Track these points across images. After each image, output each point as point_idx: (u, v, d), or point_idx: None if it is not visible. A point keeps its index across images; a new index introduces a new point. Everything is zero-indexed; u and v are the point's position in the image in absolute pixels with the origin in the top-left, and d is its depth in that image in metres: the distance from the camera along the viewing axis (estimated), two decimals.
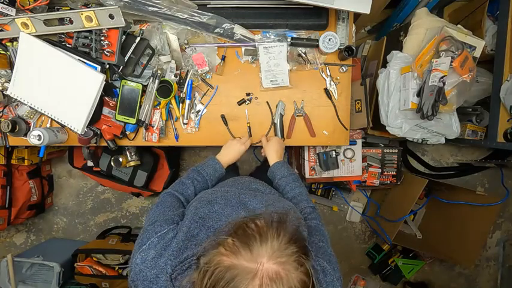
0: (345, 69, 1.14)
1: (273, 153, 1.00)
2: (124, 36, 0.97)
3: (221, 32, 1.04)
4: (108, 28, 0.92)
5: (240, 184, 0.87)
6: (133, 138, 1.14)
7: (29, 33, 0.92)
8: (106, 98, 1.06)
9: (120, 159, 1.44)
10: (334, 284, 0.60)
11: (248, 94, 1.14)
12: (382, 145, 1.69)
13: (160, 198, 0.80)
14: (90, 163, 1.69)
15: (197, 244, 0.59)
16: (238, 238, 0.49)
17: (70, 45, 0.96)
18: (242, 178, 0.97)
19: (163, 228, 0.64)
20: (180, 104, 1.11)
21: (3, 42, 0.98)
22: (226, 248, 0.48)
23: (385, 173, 1.65)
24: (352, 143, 1.44)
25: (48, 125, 1.11)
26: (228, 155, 1.00)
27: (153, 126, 1.11)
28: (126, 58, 0.99)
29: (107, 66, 0.99)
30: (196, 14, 1.00)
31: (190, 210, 0.68)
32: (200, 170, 0.91)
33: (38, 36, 0.94)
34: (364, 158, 1.60)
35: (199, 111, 1.13)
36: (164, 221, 0.66)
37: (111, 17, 0.89)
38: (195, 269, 0.53)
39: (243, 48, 1.11)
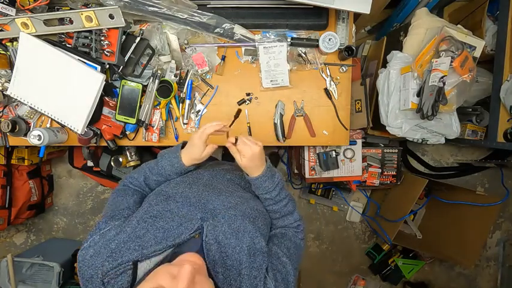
0: (345, 69, 1.14)
1: (251, 170, 0.75)
2: (124, 36, 0.97)
3: (221, 32, 1.04)
4: (108, 28, 0.92)
5: (214, 172, 0.82)
6: (133, 138, 1.14)
7: (29, 33, 0.92)
8: (106, 98, 1.06)
9: (120, 159, 1.44)
10: None
11: (248, 94, 1.14)
12: (382, 145, 1.69)
13: (111, 195, 0.76)
14: (90, 163, 1.69)
15: (140, 246, 0.56)
16: None
17: (70, 45, 0.96)
18: (220, 165, 0.93)
19: (107, 226, 0.61)
20: (180, 104, 1.11)
21: (3, 42, 0.98)
22: None
23: (385, 173, 1.65)
24: (352, 143, 1.44)
25: (48, 125, 1.11)
26: (189, 153, 0.78)
27: (153, 126, 1.11)
28: (126, 58, 0.99)
29: (107, 66, 0.99)
30: (196, 14, 1.00)
31: (143, 208, 0.65)
32: (158, 160, 0.80)
33: (38, 36, 0.93)
34: (364, 158, 1.60)
35: (199, 111, 1.13)
36: (110, 218, 0.64)
37: (111, 17, 0.89)
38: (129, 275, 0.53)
39: (243, 48, 1.11)
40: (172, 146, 0.84)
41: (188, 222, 0.61)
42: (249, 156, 0.73)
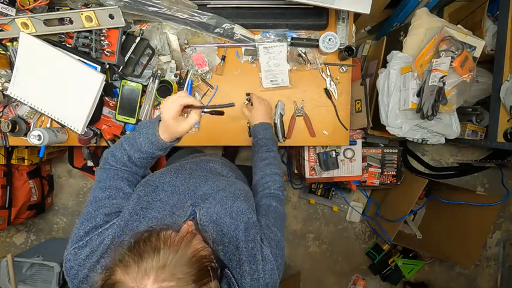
0: (345, 69, 1.14)
1: (260, 117, 0.95)
2: (124, 36, 0.97)
3: (221, 32, 1.04)
4: (108, 28, 0.92)
5: (197, 161, 0.83)
6: None
7: (29, 33, 0.92)
8: (106, 98, 1.06)
9: None
10: (273, 273, 0.60)
11: (248, 94, 1.14)
12: (382, 145, 1.69)
13: (98, 175, 0.69)
14: (90, 163, 1.69)
15: None
16: (132, 252, 0.44)
17: (70, 45, 0.96)
18: (201, 155, 0.95)
19: (106, 224, 0.60)
20: None
21: (3, 42, 0.98)
22: (122, 260, 0.44)
23: (385, 173, 1.65)
24: (352, 143, 1.44)
25: (48, 125, 1.11)
26: (167, 127, 0.67)
27: None
28: (126, 58, 0.99)
29: (107, 66, 0.99)
30: (196, 14, 1.00)
31: (133, 199, 0.63)
32: (136, 136, 0.70)
33: (38, 36, 0.94)
34: (364, 158, 1.60)
35: None
36: (106, 215, 0.61)
37: (111, 17, 0.89)
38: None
39: (243, 48, 1.11)
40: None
41: (180, 210, 0.62)
42: (259, 105, 0.95)
